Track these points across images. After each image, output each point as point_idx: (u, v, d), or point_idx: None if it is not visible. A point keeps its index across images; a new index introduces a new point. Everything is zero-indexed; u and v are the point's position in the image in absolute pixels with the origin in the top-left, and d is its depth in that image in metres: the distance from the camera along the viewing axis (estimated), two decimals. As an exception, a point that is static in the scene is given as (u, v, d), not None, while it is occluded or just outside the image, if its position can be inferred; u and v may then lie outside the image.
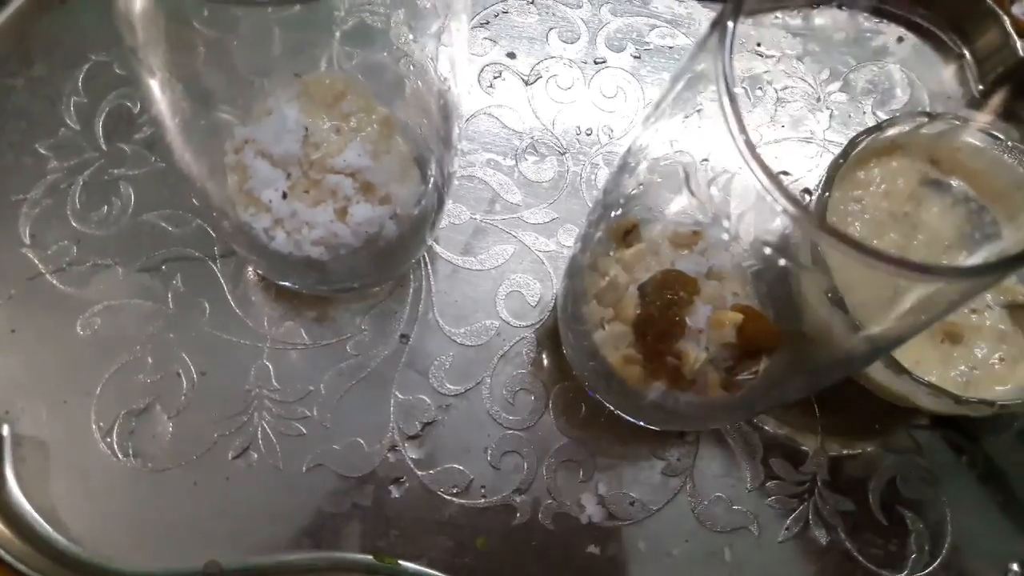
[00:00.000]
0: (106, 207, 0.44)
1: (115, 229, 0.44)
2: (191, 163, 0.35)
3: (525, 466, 0.42)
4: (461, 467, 0.41)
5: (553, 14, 0.51)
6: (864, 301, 0.32)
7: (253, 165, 0.38)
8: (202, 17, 0.41)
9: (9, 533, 0.38)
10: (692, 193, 0.36)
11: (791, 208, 0.22)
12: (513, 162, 0.47)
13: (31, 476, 0.39)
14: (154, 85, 0.31)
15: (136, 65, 0.30)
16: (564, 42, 0.50)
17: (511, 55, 0.50)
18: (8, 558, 0.37)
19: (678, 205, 0.40)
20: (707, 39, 0.28)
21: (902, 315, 0.29)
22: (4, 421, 0.40)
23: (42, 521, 0.39)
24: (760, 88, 0.49)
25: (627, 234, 0.41)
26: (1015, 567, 0.43)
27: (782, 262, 0.34)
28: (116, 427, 0.40)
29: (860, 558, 0.42)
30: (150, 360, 0.41)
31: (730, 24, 0.25)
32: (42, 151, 0.44)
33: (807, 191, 0.47)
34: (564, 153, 0.48)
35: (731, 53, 0.24)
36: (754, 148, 0.23)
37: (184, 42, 0.34)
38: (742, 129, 0.23)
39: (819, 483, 0.43)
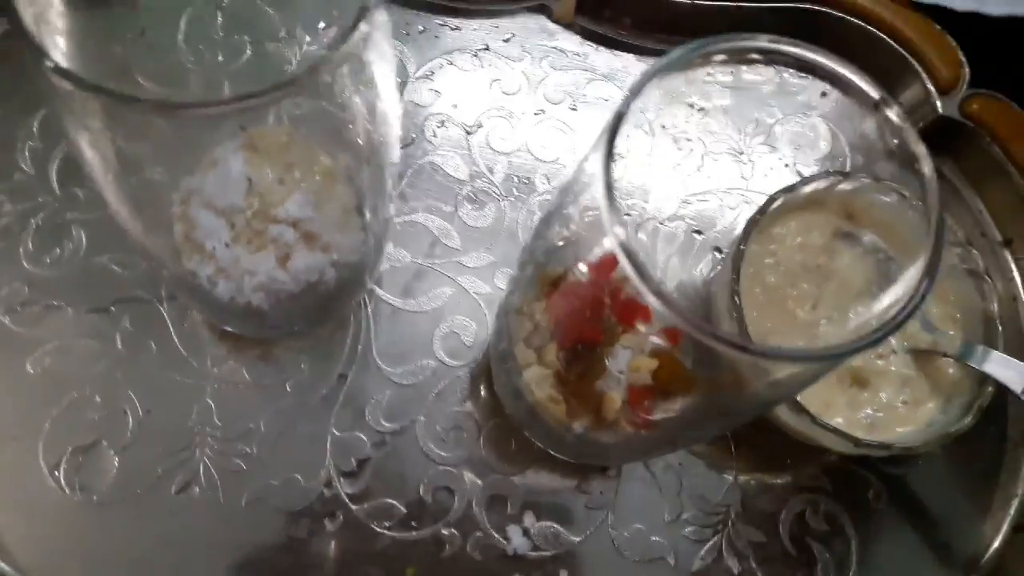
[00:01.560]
0: (58, 249, 0.46)
1: (67, 271, 0.46)
2: (127, 220, 0.37)
3: (456, 500, 0.44)
4: (394, 501, 0.44)
5: (495, 67, 0.54)
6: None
7: (197, 216, 0.41)
8: (147, 70, 0.43)
9: (-43, 565, 0.40)
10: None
11: (657, 304, 0.25)
12: (453, 208, 0.50)
13: (-21, 509, 0.41)
14: (84, 143, 0.33)
15: (65, 121, 0.32)
16: (506, 93, 0.53)
17: (455, 105, 0.52)
18: (-45, 589, 0.39)
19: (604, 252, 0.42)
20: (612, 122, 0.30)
21: (796, 368, 0.32)
22: (-46, 456, 0.42)
23: (-11, 553, 0.41)
24: (688, 140, 0.52)
25: (555, 283, 0.43)
26: (916, 596, 0.46)
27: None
28: (64, 462, 0.42)
29: (770, 587, 0.45)
30: (98, 398, 0.43)
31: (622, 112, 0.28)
32: (-4, 194, 0.46)
33: (718, 249, 0.50)
34: (503, 200, 0.50)
35: (613, 155, 0.26)
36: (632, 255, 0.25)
37: (127, 98, 0.36)
38: (617, 222, 0.25)
39: (732, 515, 0.46)
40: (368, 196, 0.43)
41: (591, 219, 0.39)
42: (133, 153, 0.38)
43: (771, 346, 0.28)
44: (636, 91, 0.29)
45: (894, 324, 0.26)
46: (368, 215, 0.42)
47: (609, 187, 0.26)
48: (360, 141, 0.43)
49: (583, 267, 0.42)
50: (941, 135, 0.55)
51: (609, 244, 0.36)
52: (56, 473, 0.42)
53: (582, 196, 0.37)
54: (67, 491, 0.42)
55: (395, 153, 0.42)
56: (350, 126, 0.43)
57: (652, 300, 0.25)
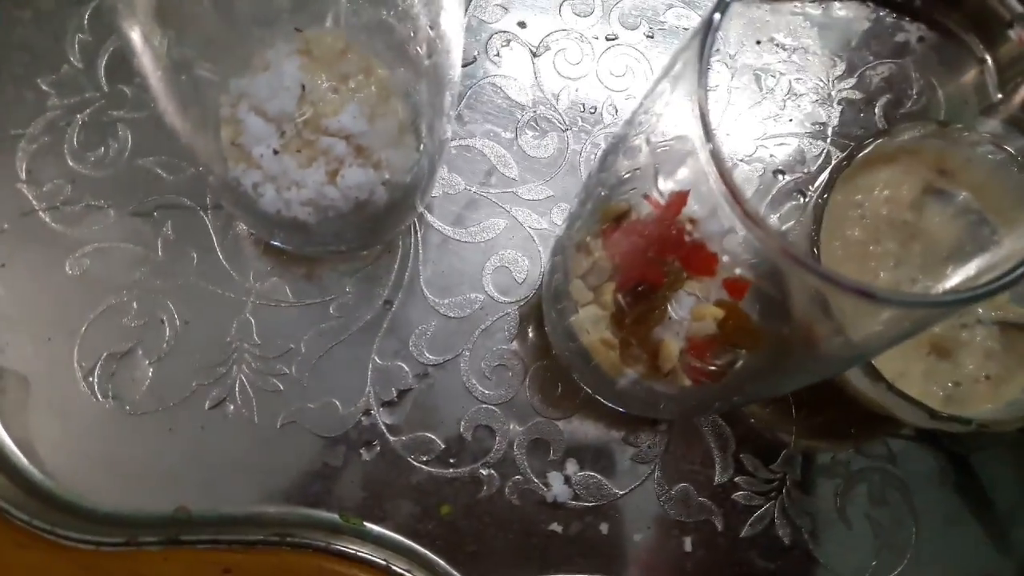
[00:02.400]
0: (103, 148, 0.44)
1: (111, 171, 0.44)
2: (174, 117, 0.35)
3: (496, 440, 0.42)
4: (433, 436, 0.42)
5: (569, -15, 0.50)
6: (848, 307, 0.32)
7: (246, 120, 0.38)
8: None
9: (-15, 462, 0.39)
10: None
11: (753, 229, 0.22)
12: (513, 135, 0.47)
13: (11, 408, 0.40)
14: (135, 36, 0.30)
15: (118, 13, 0.30)
16: (577, 15, 0.49)
17: (522, 24, 0.49)
18: (-19, 486, 0.38)
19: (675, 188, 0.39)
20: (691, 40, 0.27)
21: (879, 326, 0.29)
22: (-12, 352, 0.41)
23: (18, 452, 0.40)
24: (773, 77, 0.48)
25: (619, 219, 0.40)
26: (976, 583, 0.43)
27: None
28: (98, 368, 0.41)
29: (821, 560, 0.43)
30: (135, 305, 0.42)
31: (716, 17, 0.25)
32: (43, 87, 0.44)
33: (800, 192, 0.46)
34: (566, 130, 0.47)
35: (708, 61, 0.23)
36: (721, 160, 0.22)
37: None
38: (709, 138, 0.22)
39: (788, 482, 0.43)
40: (425, 113, 0.40)
41: (664, 150, 0.36)
42: (183, 48, 0.36)
43: (895, 291, 0.25)
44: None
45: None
46: (424, 133, 0.40)
47: (704, 94, 0.22)
48: (420, 53, 0.40)
49: (650, 203, 0.39)
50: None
51: (692, 167, 0.33)
52: (90, 379, 0.41)
53: (657, 123, 0.34)
54: (99, 398, 0.41)
55: (456, 70, 0.39)
56: (411, 35, 0.40)
57: (745, 224, 0.22)
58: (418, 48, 0.40)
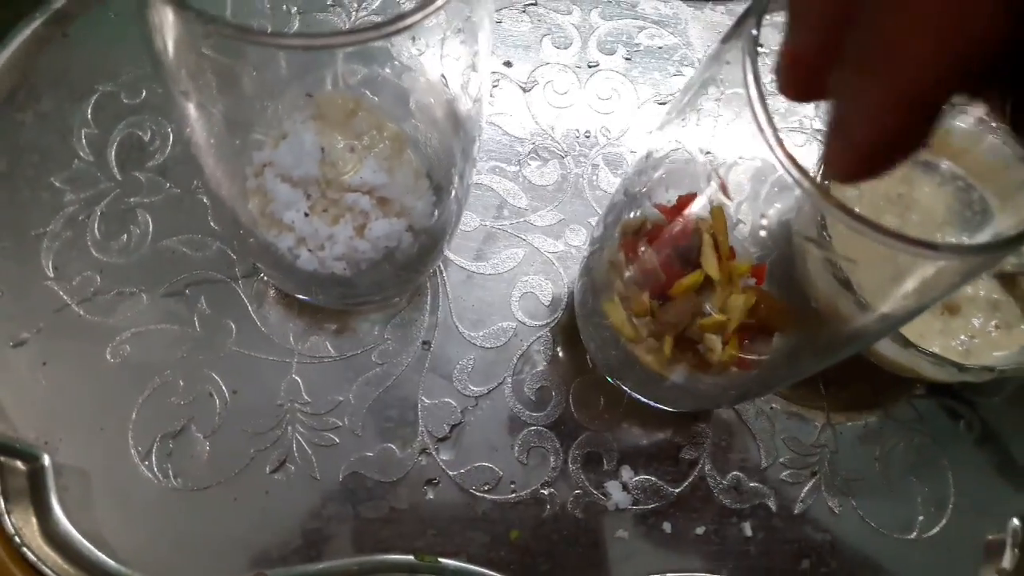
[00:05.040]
0: (125, 235, 0.45)
1: (136, 256, 0.45)
2: (221, 183, 0.36)
3: (551, 459, 0.44)
4: (491, 465, 0.43)
5: (545, 21, 0.53)
6: (870, 281, 0.34)
7: (274, 188, 0.40)
8: (208, 43, 0.42)
9: (60, 560, 0.39)
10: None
11: (811, 188, 0.24)
12: (517, 168, 0.49)
13: (75, 503, 0.40)
14: (191, 108, 0.32)
15: (172, 90, 0.31)
16: (558, 48, 0.52)
17: (507, 63, 0.51)
18: (61, 584, 0.38)
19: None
20: (721, 49, 0.30)
21: (907, 293, 0.31)
22: (44, 451, 0.41)
23: (90, 546, 0.40)
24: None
25: (637, 232, 0.43)
26: (1015, 521, 0.46)
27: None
28: (154, 450, 0.41)
29: (871, 523, 0.45)
30: (181, 383, 0.43)
31: (753, 31, 0.27)
32: (57, 184, 0.45)
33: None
34: (565, 156, 0.50)
35: (756, 55, 0.25)
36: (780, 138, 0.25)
37: (203, 70, 0.35)
38: (770, 122, 0.25)
39: (828, 455, 0.46)
40: (458, 161, 0.42)
41: (669, 164, 0.38)
42: (233, 113, 0.37)
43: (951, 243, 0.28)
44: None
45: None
46: (456, 180, 0.41)
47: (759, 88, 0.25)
48: (437, 107, 0.42)
49: (659, 210, 0.41)
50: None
51: (692, 174, 0.36)
52: (148, 462, 0.41)
53: (661, 141, 0.37)
54: (160, 479, 0.41)
55: (483, 118, 0.41)
56: (419, 91, 0.42)
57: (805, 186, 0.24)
58: (429, 97, 0.41)
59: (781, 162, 0.25)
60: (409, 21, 0.25)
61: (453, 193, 0.40)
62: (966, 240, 0.45)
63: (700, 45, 0.53)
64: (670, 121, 0.36)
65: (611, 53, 0.52)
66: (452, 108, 0.40)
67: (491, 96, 0.50)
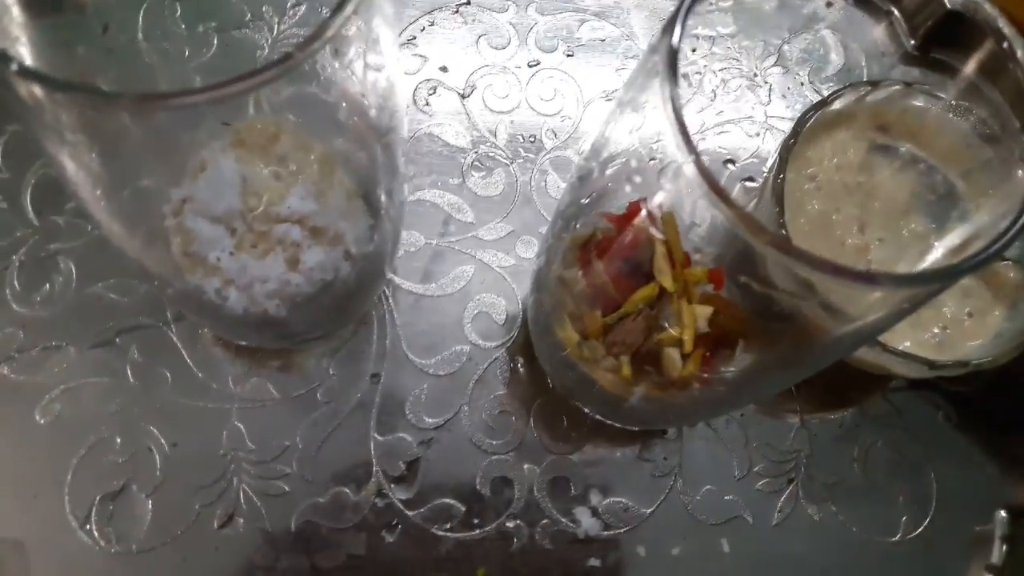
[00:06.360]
0: (48, 285, 0.42)
1: (60, 307, 0.42)
2: (122, 237, 0.33)
3: (515, 489, 0.42)
4: (452, 501, 0.41)
5: (480, 21, 0.50)
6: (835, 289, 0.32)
7: (195, 226, 0.37)
8: (111, 76, 0.39)
9: (-2, 641, 0.37)
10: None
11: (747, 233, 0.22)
12: (460, 180, 0.46)
13: (12, 577, 0.38)
14: (65, 157, 0.29)
15: (42, 136, 0.29)
16: (495, 48, 0.49)
17: (443, 69, 0.49)
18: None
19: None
20: (649, 57, 0.27)
21: (873, 300, 0.29)
22: (-26, 525, 0.39)
23: (31, 622, 0.38)
24: (699, 74, 0.49)
25: (585, 245, 0.40)
26: (1002, 513, 0.44)
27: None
28: (93, 514, 0.39)
29: (853, 528, 0.43)
30: (118, 439, 0.40)
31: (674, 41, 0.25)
32: (-31, 236, 0.42)
33: (750, 177, 0.47)
34: (511, 163, 0.47)
35: (676, 75, 0.23)
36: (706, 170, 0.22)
37: (100, 95, 0.32)
38: (692, 149, 0.22)
39: (804, 459, 0.44)
40: (383, 179, 0.40)
41: (614, 170, 0.36)
42: (116, 163, 0.34)
43: (889, 272, 0.25)
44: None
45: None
46: (383, 199, 0.39)
47: (677, 105, 0.22)
48: (359, 121, 0.39)
49: (608, 220, 0.39)
50: (951, 31, 0.52)
51: (644, 181, 0.33)
52: (87, 527, 0.39)
53: (604, 146, 0.34)
54: (103, 544, 0.39)
55: (404, 128, 0.38)
56: (343, 106, 0.39)
57: (724, 212, 0.22)
58: (355, 117, 0.39)
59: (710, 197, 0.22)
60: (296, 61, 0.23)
61: (383, 213, 0.37)
62: (934, 227, 0.43)
63: (644, 35, 0.50)
64: (612, 121, 0.34)
65: (552, 50, 0.50)
66: (374, 122, 0.38)
67: (427, 105, 0.47)
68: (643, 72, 0.29)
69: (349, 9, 0.25)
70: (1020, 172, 0.45)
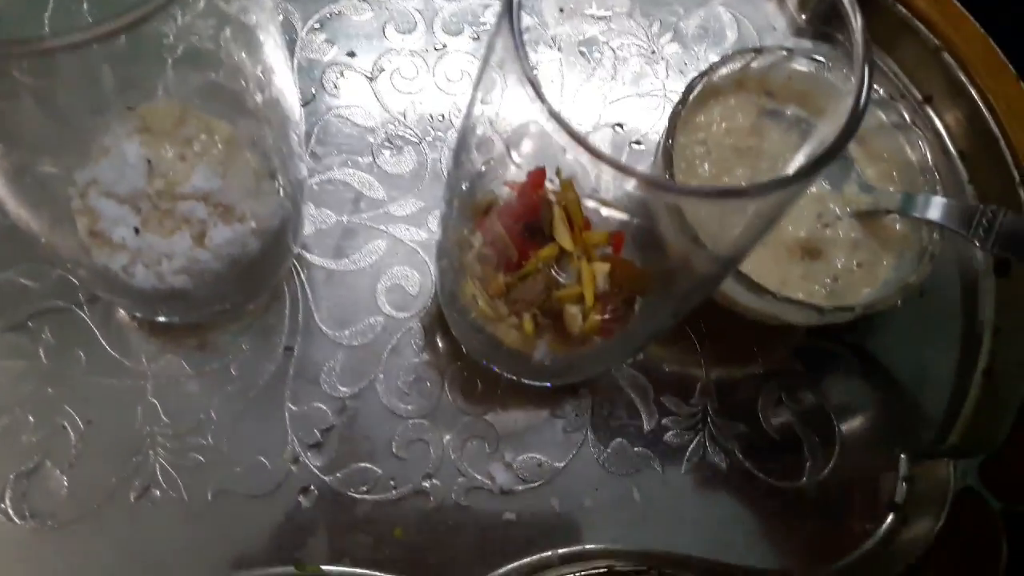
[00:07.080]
0: (-43, 273, 0.43)
1: (-29, 294, 0.42)
2: (29, 219, 0.34)
3: (431, 451, 0.43)
4: (368, 465, 0.42)
5: (386, 8, 0.51)
6: (710, 231, 0.34)
7: (99, 206, 0.38)
8: (20, 65, 0.40)
9: (-89, 621, 0.37)
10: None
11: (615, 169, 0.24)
12: (371, 159, 0.48)
13: (-74, 559, 0.38)
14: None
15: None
16: (402, 33, 0.51)
17: (351, 54, 0.50)
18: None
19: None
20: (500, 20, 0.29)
21: (736, 229, 0.31)
22: None
23: (-55, 602, 0.38)
24: (597, 50, 0.51)
25: (487, 211, 0.42)
26: (903, 457, 0.46)
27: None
28: (7, 492, 0.39)
29: (760, 475, 0.45)
30: (31, 418, 0.41)
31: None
32: None
33: (637, 142, 0.49)
34: (420, 142, 0.49)
35: (522, 37, 0.25)
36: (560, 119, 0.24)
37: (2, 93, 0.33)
38: (544, 102, 0.24)
39: (710, 412, 0.45)
40: (276, 159, 0.41)
41: (509, 135, 0.37)
42: (20, 151, 0.35)
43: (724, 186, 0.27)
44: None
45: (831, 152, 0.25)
46: (280, 178, 0.40)
47: (528, 68, 0.24)
48: (258, 103, 0.41)
49: (510, 188, 0.40)
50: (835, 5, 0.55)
51: (540, 144, 0.35)
52: (2, 504, 0.39)
53: (497, 112, 0.36)
54: (18, 520, 0.39)
55: (296, 110, 0.40)
56: (244, 87, 0.40)
57: (609, 167, 0.23)
58: (255, 98, 0.40)
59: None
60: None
61: (282, 191, 0.38)
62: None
63: (552, 19, 0.52)
64: (485, 89, 0.35)
65: (457, 34, 0.51)
66: (274, 104, 0.39)
67: (335, 88, 0.49)
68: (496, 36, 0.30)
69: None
70: (904, 135, 0.48)
